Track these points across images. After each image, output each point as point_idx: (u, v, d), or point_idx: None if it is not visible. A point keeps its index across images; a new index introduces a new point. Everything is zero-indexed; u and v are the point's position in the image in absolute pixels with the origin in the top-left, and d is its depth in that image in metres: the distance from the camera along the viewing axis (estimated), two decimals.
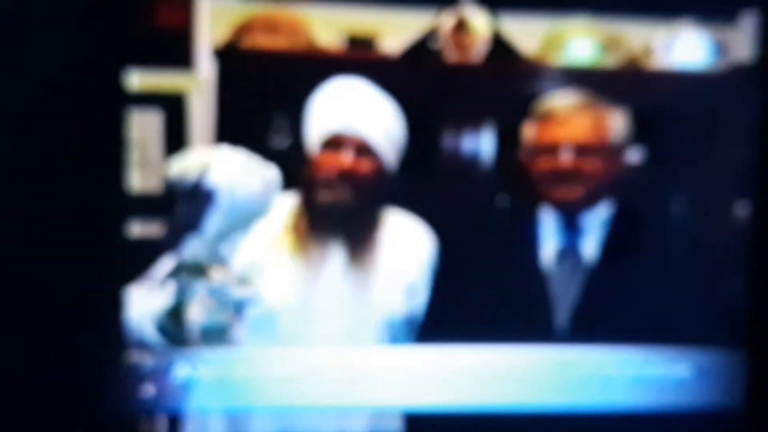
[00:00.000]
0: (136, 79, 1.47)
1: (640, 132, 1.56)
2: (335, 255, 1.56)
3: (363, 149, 1.55)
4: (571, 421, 1.51)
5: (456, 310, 1.55)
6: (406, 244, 1.59)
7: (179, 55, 1.59)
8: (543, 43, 1.69)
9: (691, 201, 1.58)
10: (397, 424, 1.56)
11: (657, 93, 1.62)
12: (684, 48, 1.62)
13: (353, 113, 1.55)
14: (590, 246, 1.57)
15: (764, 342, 1.51)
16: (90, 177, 1.40)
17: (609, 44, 1.66)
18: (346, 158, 1.54)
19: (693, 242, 1.56)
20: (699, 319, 1.52)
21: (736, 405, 1.51)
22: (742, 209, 1.53)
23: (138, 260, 1.44)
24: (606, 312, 1.53)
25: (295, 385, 1.47)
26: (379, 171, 1.56)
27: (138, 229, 1.46)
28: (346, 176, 1.54)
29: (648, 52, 1.65)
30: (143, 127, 1.50)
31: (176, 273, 1.43)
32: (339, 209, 1.55)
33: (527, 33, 1.69)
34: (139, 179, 1.46)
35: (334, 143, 1.55)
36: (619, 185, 1.56)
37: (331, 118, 1.55)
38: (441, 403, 1.49)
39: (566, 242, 1.57)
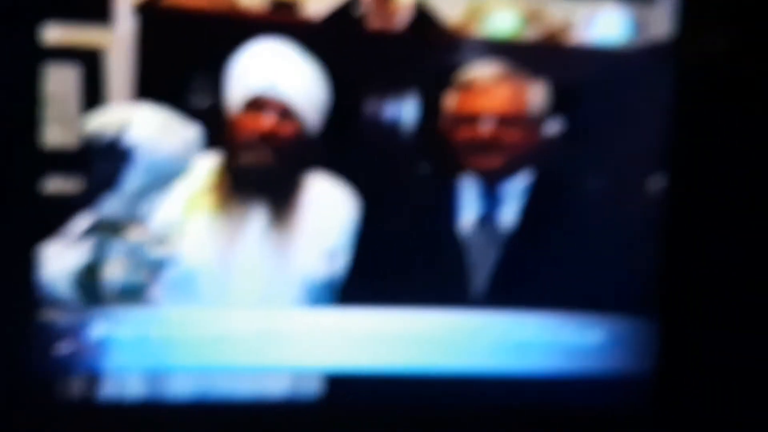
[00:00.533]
0: (53, 33, 1.43)
1: (559, 104, 1.59)
2: (256, 217, 1.55)
3: (285, 112, 1.54)
4: (486, 384, 1.54)
5: (376, 273, 1.56)
6: (327, 207, 1.59)
7: (98, 9, 1.55)
8: (465, 14, 1.70)
9: (608, 172, 1.62)
10: (317, 385, 1.56)
11: (576, 67, 1.65)
12: (603, 24, 1.65)
13: (276, 75, 1.54)
14: (508, 214, 1.60)
15: (675, 310, 1.57)
16: (4, 132, 1.36)
17: (530, 17, 1.68)
18: (268, 120, 1.53)
19: (608, 212, 1.60)
20: (613, 287, 1.57)
21: (647, 370, 1.57)
22: (656, 182, 1.57)
23: (54, 217, 1.41)
24: (522, 279, 1.57)
25: (214, 346, 1.47)
26: (301, 134, 1.55)
27: (54, 185, 1.43)
28: (268, 138, 1.53)
29: (568, 26, 1.68)
30: (60, 82, 1.46)
31: (93, 231, 1.41)
32: (260, 171, 1.54)
33: (450, 3, 1.69)
34: (55, 135, 1.42)
35: (256, 105, 1.53)
36: (537, 156, 1.59)
37: (254, 80, 1.54)
38: (360, 364, 1.51)
39: (485, 210, 1.60)
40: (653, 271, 1.56)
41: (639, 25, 1.63)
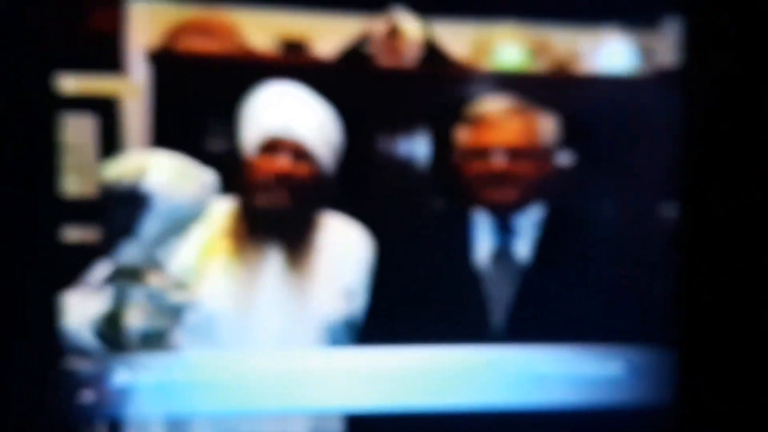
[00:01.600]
0: (69, 84, 1.46)
1: (570, 135, 1.60)
2: (273, 259, 1.56)
3: (300, 153, 1.55)
4: (507, 418, 1.54)
5: (394, 311, 1.57)
6: (343, 247, 1.61)
7: (111, 59, 1.57)
8: (473, 49, 1.72)
9: (620, 202, 1.62)
10: (338, 425, 1.57)
11: (584, 97, 1.66)
12: (609, 53, 1.67)
13: (290, 117, 1.55)
14: (523, 247, 1.60)
15: (693, 340, 1.56)
16: (23, 182, 1.38)
17: (537, 49, 1.70)
18: (283, 162, 1.55)
19: (622, 243, 1.61)
20: (630, 318, 1.57)
21: (667, 401, 1.56)
22: (669, 210, 1.57)
23: (74, 265, 1.43)
24: (540, 311, 1.57)
25: (235, 390, 1.48)
26: (316, 174, 1.57)
27: (73, 234, 1.45)
28: (284, 180, 1.55)
29: (575, 57, 1.69)
30: (77, 132, 1.48)
31: (113, 278, 1.42)
32: (276, 213, 1.55)
33: (458, 39, 1.71)
34: (73, 184, 1.44)
35: (271, 147, 1.55)
36: (550, 187, 1.59)
37: (268, 122, 1.55)
38: (381, 403, 1.51)
39: (500, 244, 1.60)
40: (670, 300, 1.56)
41: (645, 53, 1.64)
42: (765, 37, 1.56)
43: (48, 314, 1.40)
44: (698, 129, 1.54)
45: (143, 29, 1.61)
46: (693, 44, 1.56)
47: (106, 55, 1.58)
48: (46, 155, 1.40)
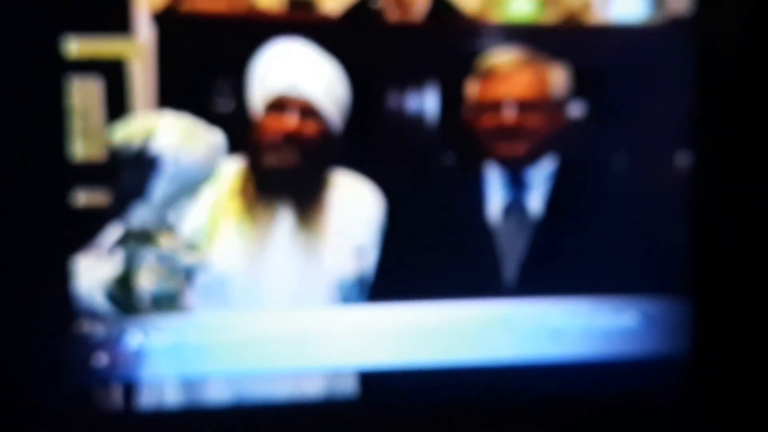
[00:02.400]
0: (75, 46, 1.45)
1: (581, 86, 1.58)
2: (284, 218, 1.56)
3: (307, 111, 1.55)
4: (522, 372, 1.54)
5: (406, 268, 1.57)
6: (354, 204, 1.60)
7: (118, 20, 1.56)
8: (482, 1, 1.70)
9: (633, 153, 1.61)
10: (353, 383, 1.58)
11: (596, 47, 1.64)
12: (621, 2, 1.64)
13: (296, 75, 1.54)
14: (536, 200, 1.59)
15: (708, 289, 1.55)
16: (32, 146, 1.38)
17: (547, 0, 1.68)
18: (291, 120, 1.54)
19: (636, 193, 1.60)
20: (644, 269, 1.56)
21: (682, 351, 1.56)
22: (682, 160, 1.56)
23: (84, 229, 1.43)
24: (553, 265, 1.56)
25: (249, 349, 1.49)
26: (325, 132, 1.56)
27: (83, 197, 1.45)
28: (292, 138, 1.54)
29: (586, 6, 1.67)
30: (84, 95, 1.48)
31: (124, 241, 1.43)
32: (286, 172, 1.55)
33: None
34: (81, 147, 1.44)
35: (278, 106, 1.54)
36: (562, 140, 1.58)
37: (275, 81, 1.55)
38: (394, 360, 1.51)
39: (512, 197, 1.60)
40: (684, 251, 1.55)
41: (657, 2, 1.62)
42: None
43: (60, 278, 1.41)
44: (710, 77, 1.52)
45: None
46: None
47: (114, 17, 1.57)
48: (55, 119, 1.40)
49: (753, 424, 1.56)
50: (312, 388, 1.55)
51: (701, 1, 1.53)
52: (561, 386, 1.55)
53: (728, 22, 1.52)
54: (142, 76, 1.57)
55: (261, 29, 1.64)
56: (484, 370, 1.53)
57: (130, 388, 1.49)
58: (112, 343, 1.45)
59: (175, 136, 1.42)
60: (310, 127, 1.55)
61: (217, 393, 1.52)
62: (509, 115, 1.56)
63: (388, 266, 1.58)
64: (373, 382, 1.55)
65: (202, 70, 1.61)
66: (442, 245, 1.58)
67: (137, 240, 1.42)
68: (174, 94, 1.55)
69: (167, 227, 1.44)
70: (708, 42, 1.53)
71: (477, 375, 1.53)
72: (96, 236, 1.44)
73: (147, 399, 1.50)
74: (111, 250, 1.43)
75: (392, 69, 1.68)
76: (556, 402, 1.56)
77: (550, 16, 1.67)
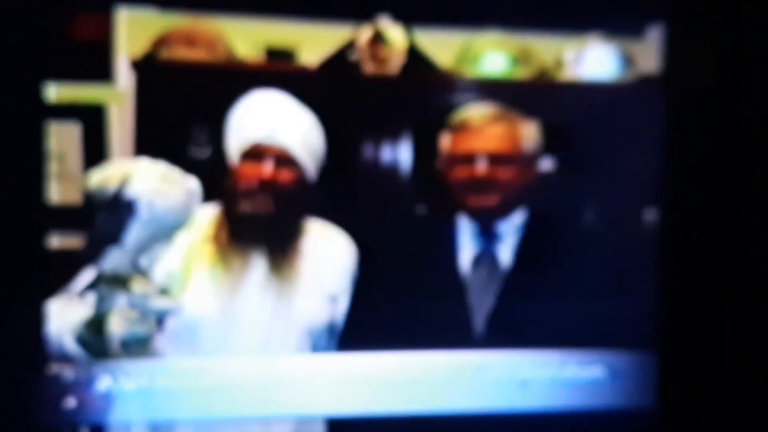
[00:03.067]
0: (55, 92, 1.47)
1: (553, 141, 1.61)
2: (257, 265, 1.57)
3: (283, 159, 1.57)
4: (490, 423, 1.55)
5: (377, 317, 1.58)
6: (327, 253, 1.61)
7: (98, 67, 1.59)
8: (457, 57, 1.73)
9: (602, 208, 1.63)
10: (321, 430, 1.58)
11: (567, 104, 1.67)
12: (593, 61, 1.68)
13: (273, 123, 1.57)
14: (506, 252, 1.61)
15: (674, 344, 1.57)
16: (8, 189, 1.39)
17: (521, 57, 1.71)
18: (267, 168, 1.56)
19: (604, 248, 1.62)
20: (611, 323, 1.58)
21: (648, 404, 1.58)
22: (650, 216, 1.59)
23: (58, 272, 1.44)
24: (522, 316, 1.58)
25: (218, 395, 1.49)
26: (300, 181, 1.58)
27: (58, 240, 1.46)
28: (267, 186, 1.56)
29: (559, 65, 1.70)
30: (62, 139, 1.49)
31: (96, 284, 1.43)
32: (260, 219, 1.56)
33: (442, 46, 1.73)
34: (58, 191, 1.46)
35: (254, 154, 1.56)
36: (533, 193, 1.61)
37: (252, 129, 1.57)
38: (363, 409, 1.52)
39: (482, 248, 1.62)
40: (651, 305, 1.57)
41: (628, 61, 1.66)
42: (744, 46, 1.57)
43: (33, 320, 1.42)
44: (678, 135, 1.56)
45: (130, 38, 1.62)
46: (674, 52, 1.58)
47: (94, 64, 1.60)
48: (33, 162, 1.42)
49: None
50: None
51: (671, 60, 1.58)
52: None
53: (697, 81, 1.56)
54: (120, 123, 1.59)
55: (239, 78, 1.67)
56: (453, 420, 1.54)
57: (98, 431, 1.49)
58: (81, 386, 1.45)
59: (151, 182, 1.43)
60: (285, 175, 1.57)
61: None
62: (481, 168, 1.58)
63: (358, 315, 1.59)
64: (341, 429, 1.56)
65: (179, 118, 1.64)
66: (412, 295, 1.59)
67: (109, 284, 1.43)
68: (151, 140, 1.57)
69: (140, 272, 1.44)
70: (677, 100, 1.57)
71: (445, 425, 1.54)
72: (69, 280, 1.44)
73: None
74: (82, 294, 1.43)
75: (367, 120, 1.71)
76: None
77: (523, 73, 1.71)
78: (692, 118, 1.57)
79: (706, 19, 1.56)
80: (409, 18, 1.72)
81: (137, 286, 1.43)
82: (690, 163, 1.57)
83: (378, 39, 1.70)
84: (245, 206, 1.56)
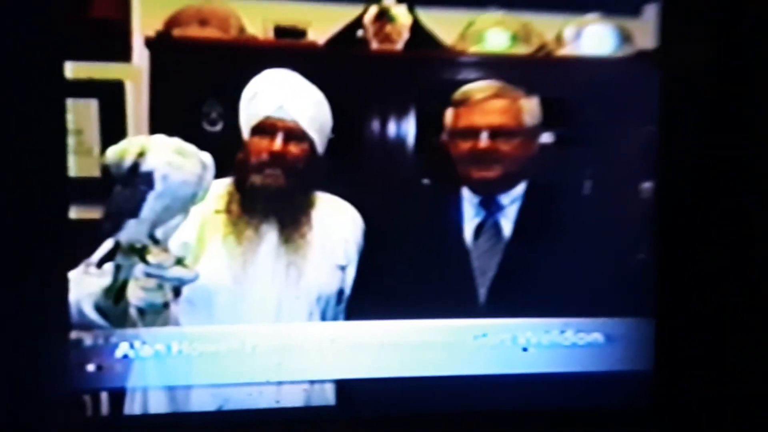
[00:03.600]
0: (72, 70, 1.51)
1: (552, 115, 1.65)
2: (268, 235, 1.63)
3: (292, 133, 1.61)
4: (492, 385, 1.61)
5: (383, 285, 1.64)
6: (335, 224, 1.67)
7: (116, 46, 1.63)
8: (460, 35, 1.77)
9: (600, 178, 1.67)
10: (331, 393, 1.65)
11: (566, 79, 1.71)
12: (591, 38, 1.72)
13: (283, 99, 1.61)
14: (508, 222, 1.67)
15: (669, 311, 1.63)
16: (31, 165, 1.45)
17: (522, 35, 1.75)
18: (277, 142, 1.61)
19: (602, 217, 1.67)
20: (610, 291, 1.63)
21: (645, 368, 1.63)
22: (647, 186, 1.64)
23: (78, 243, 1.48)
24: (523, 285, 1.63)
25: (231, 361, 1.55)
26: (308, 154, 1.63)
27: (78, 214, 1.51)
28: (278, 159, 1.61)
29: (558, 42, 1.74)
30: (80, 116, 1.54)
31: (113, 255, 1.47)
32: (271, 191, 1.61)
33: (445, 24, 1.76)
34: (77, 166, 1.50)
35: (265, 128, 1.61)
36: (533, 166, 1.65)
37: (262, 104, 1.61)
38: (371, 373, 1.58)
39: (485, 219, 1.67)
40: (648, 273, 1.62)
41: (625, 38, 1.70)
42: (736, 23, 1.61)
43: (55, 290, 1.47)
44: (674, 107, 1.60)
45: (144, 17, 1.65)
46: (670, 30, 1.62)
47: (112, 43, 1.64)
48: (55, 139, 1.47)
49: None
50: (293, 397, 1.61)
51: (666, 37, 1.62)
52: (531, 400, 1.62)
53: (691, 57, 1.60)
54: (136, 99, 1.63)
55: (250, 56, 1.71)
56: (457, 381, 1.60)
57: (117, 396, 1.55)
58: (100, 352, 1.51)
59: (166, 156, 1.46)
60: (295, 149, 1.62)
61: (201, 401, 1.59)
62: (483, 141, 1.63)
63: (365, 283, 1.65)
64: (350, 392, 1.63)
65: (193, 94, 1.68)
66: (418, 265, 1.64)
67: (126, 254, 1.47)
68: (166, 117, 1.61)
69: (156, 242, 1.49)
70: (672, 75, 1.61)
71: (450, 386, 1.60)
72: (89, 250, 1.49)
73: (134, 405, 1.56)
74: (101, 264, 1.48)
75: (374, 95, 1.75)
76: (526, 415, 1.63)
77: (524, 49, 1.75)
78: (687, 92, 1.62)
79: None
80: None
81: (154, 256, 1.48)
82: (685, 132, 1.62)
83: (383, 16, 1.74)
84: (256, 179, 1.61)
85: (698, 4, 1.59)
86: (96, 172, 1.51)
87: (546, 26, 1.74)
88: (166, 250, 1.50)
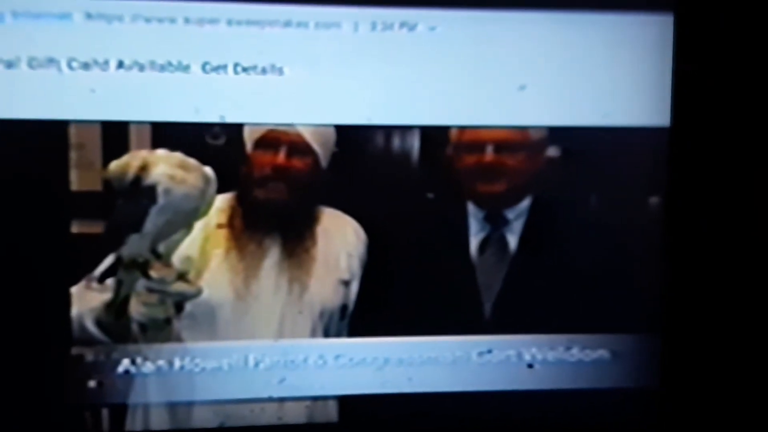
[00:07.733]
0: None
1: (558, 129, 1.64)
2: (271, 250, 1.61)
3: (297, 147, 1.60)
4: (497, 402, 1.60)
5: (387, 301, 1.62)
6: (338, 239, 1.65)
7: None
8: None
9: (607, 192, 1.66)
10: (334, 410, 1.63)
11: None
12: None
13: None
14: (514, 237, 1.65)
15: (676, 327, 1.62)
16: (34, 179, 1.44)
17: None
18: (281, 155, 1.60)
19: (609, 233, 1.64)
20: (616, 307, 1.62)
21: (651, 385, 1.62)
22: (655, 200, 1.62)
23: (80, 258, 1.48)
24: (529, 300, 1.62)
25: (234, 377, 1.54)
26: (313, 168, 1.61)
27: (81, 228, 1.50)
28: (281, 173, 1.59)
29: None
30: (81, 131, 1.53)
31: (116, 269, 1.47)
32: (274, 206, 1.60)
33: None
34: (78, 181, 1.50)
35: (268, 141, 1.60)
36: (539, 180, 1.64)
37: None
38: (374, 389, 1.57)
39: (490, 235, 1.65)
40: (655, 291, 1.61)
41: None
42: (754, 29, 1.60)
43: (57, 305, 1.47)
44: (683, 123, 1.59)
45: None
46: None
47: None
48: (57, 152, 1.46)
49: None
50: (295, 414, 1.60)
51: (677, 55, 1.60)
52: (536, 416, 1.61)
53: (702, 71, 1.59)
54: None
55: None
56: (462, 398, 1.59)
57: (118, 412, 1.54)
58: (101, 368, 1.50)
59: (169, 169, 1.46)
60: (299, 163, 1.60)
61: (203, 418, 1.57)
62: (489, 155, 1.62)
63: (369, 299, 1.63)
64: (353, 409, 1.61)
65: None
66: (422, 280, 1.62)
67: (128, 269, 1.47)
68: (168, 131, 1.60)
69: (159, 257, 1.48)
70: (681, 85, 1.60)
71: (455, 403, 1.59)
72: (91, 265, 1.49)
73: (135, 421, 1.55)
74: (102, 279, 1.47)
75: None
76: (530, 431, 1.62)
77: None
78: (696, 106, 1.60)
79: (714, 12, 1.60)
80: None
81: (156, 271, 1.47)
82: (693, 148, 1.60)
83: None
84: (259, 193, 1.60)
85: (715, 20, 1.58)
86: (98, 186, 1.50)
87: None
88: (168, 264, 1.50)
